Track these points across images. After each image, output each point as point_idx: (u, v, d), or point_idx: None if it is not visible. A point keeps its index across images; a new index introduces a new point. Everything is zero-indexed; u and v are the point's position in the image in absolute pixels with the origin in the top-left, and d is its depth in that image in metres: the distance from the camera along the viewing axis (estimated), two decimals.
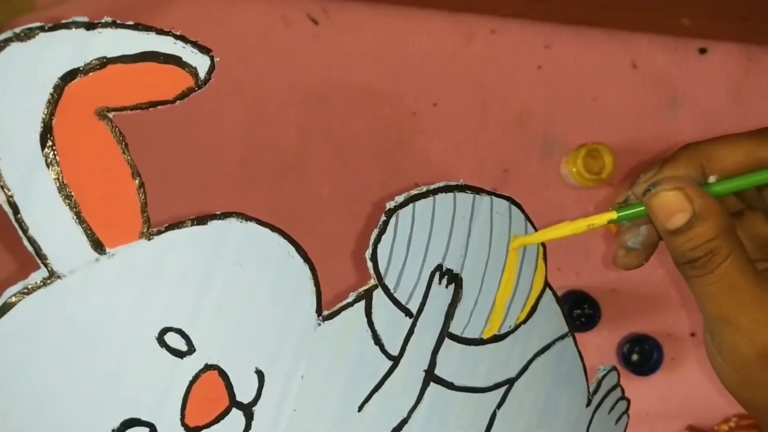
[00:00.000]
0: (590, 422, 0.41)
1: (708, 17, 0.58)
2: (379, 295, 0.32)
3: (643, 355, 0.60)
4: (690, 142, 0.32)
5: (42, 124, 0.24)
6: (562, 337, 0.39)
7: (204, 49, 0.26)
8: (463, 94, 0.58)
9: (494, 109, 0.59)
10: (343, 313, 0.31)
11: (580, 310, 0.59)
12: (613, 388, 0.43)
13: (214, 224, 0.28)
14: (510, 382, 0.37)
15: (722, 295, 0.31)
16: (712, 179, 0.32)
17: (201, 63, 0.26)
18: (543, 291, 0.37)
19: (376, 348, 0.32)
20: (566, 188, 0.59)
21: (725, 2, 0.55)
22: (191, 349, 0.28)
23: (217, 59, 0.26)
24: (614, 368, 0.42)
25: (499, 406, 0.36)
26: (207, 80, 0.26)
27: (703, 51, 0.61)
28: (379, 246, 0.32)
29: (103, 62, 0.25)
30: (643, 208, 0.32)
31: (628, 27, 0.60)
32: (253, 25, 0.55)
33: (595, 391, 0.41)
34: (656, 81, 0.60)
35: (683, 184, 0.31)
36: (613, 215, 0.32)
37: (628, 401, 0.44)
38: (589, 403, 0.41)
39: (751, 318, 0.31)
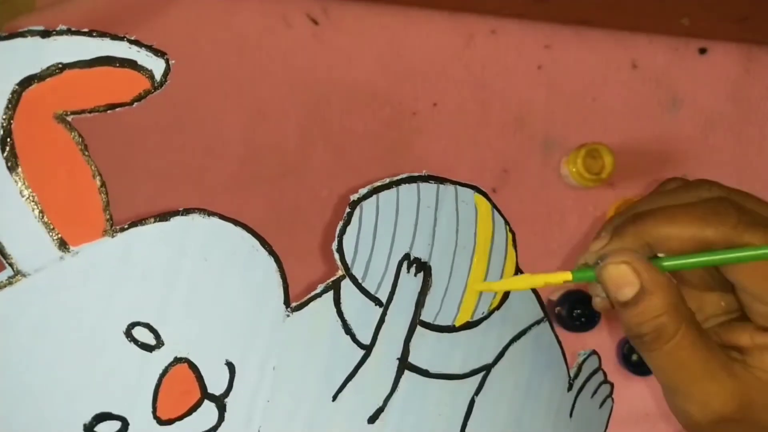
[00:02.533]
0: (573, 407, 0.41)
1: (708, 17, 0.58)
2: (347, 285, 0.32)
3: None
4: (637, 213, 0.32)
5: (1, 129, 0.25)
6: (538, 322, 0.39)
7: (159, 53, 0.27)
8: (463, 94, 0.58)
9: (494, 109, 0.59)
10: (312, 303, 0.32)
11: (580, 310, 0.59)
12: (595, 371, 0.43)
13: (176, 220, 0.29)
14: (487, 369, 0.37)
15: (672, 370, 0.31)
16: (661, 254, 0.32)
17: (156, 66, 0.27)
18: None
19: (347, 337, 0.33)
20: (566, 188, 0.59)
21: (725, 2, 0.55)
22: (160, 342, 0.28)
23: (173, 62, 0.27)
24: (594, 352, 0.42)
25: (477, 392, 0.37)
26: (163, 82, 0.27)
27: (703, 51, 0.61)
28: (345, 237, 0.32)
29: (60, 68, 0.26)
30: (594, 272, 0.32)
31: (628, 27, 0.60)
32: (253, 25, 0.55)
33: (576, 375, 0.41)
34: (656, 81, 0.60)
35: (631, 258, 0.31)
36: (569, 276, 0.33)
37: (611, 385, 0.44)
38: (570, 388, 0.41)
39: (702, 390, 0.31)
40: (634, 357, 0.60)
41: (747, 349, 0.32)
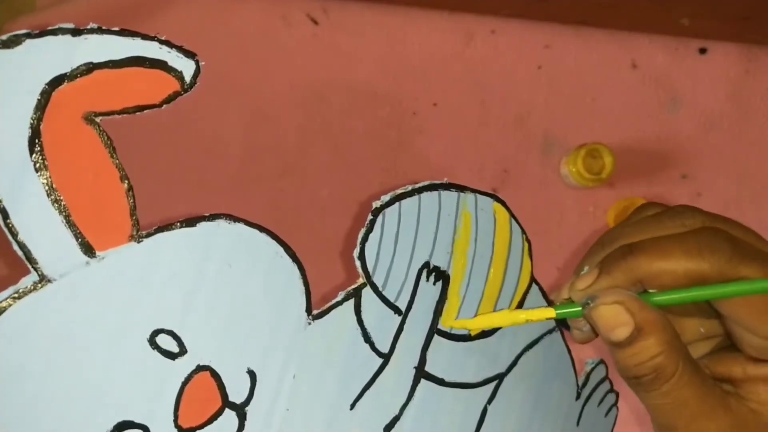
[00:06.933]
0: (580, 415, 0.41)
1: (708, 17, 0.58)
2: (367, 293, 0.32)
3: None
4: (626, 246, 0.31)
5: (30, 129, 0.24)
6: (549, 332, 0.39)
7: (189, 54, 0.26)
8: (463, 94, 0.58)
9: (494, 109, 0.59)
10: (333, 311, 0.31)
11: None
12: (602, 381, 0.43)
13: (202, 226, 0.28)
14: (500, 378, 0.37)
15: (671, 409, 0.30)
16: (652, 290, 0.30)
17: (186, 67, 0.26)
18: (529, 287, 0.37)
19: (366, 346, 0.32)
20: (566, 188, 0.59)
21: (725, 2, 0.55)
22: (183, 350, 0.28)
23: (202, 63, 0.26)
24: (602, 361, 0.42)
25: (489, 401, 0.36)
26: (193, 84, 0.26)
27: (703, 51, 0.61)
28: (367, 244, 0.32)
29: (90, 68, 0.25)
30: (579, 308, 0.31)
31: (628, 27, 0.60)
32: (253, 25, 0.55)
33: (584, 385, 0.41)
34: (656, 81, 0.60)
35: (623, 297, 0.29)
36: (552, 313, 0.32)
37: (617, 394, 0.44)
38: (578, 397, 0.41)
39: (701, 428, 0.30)
40: None
41: (739, 381, 0.31)
